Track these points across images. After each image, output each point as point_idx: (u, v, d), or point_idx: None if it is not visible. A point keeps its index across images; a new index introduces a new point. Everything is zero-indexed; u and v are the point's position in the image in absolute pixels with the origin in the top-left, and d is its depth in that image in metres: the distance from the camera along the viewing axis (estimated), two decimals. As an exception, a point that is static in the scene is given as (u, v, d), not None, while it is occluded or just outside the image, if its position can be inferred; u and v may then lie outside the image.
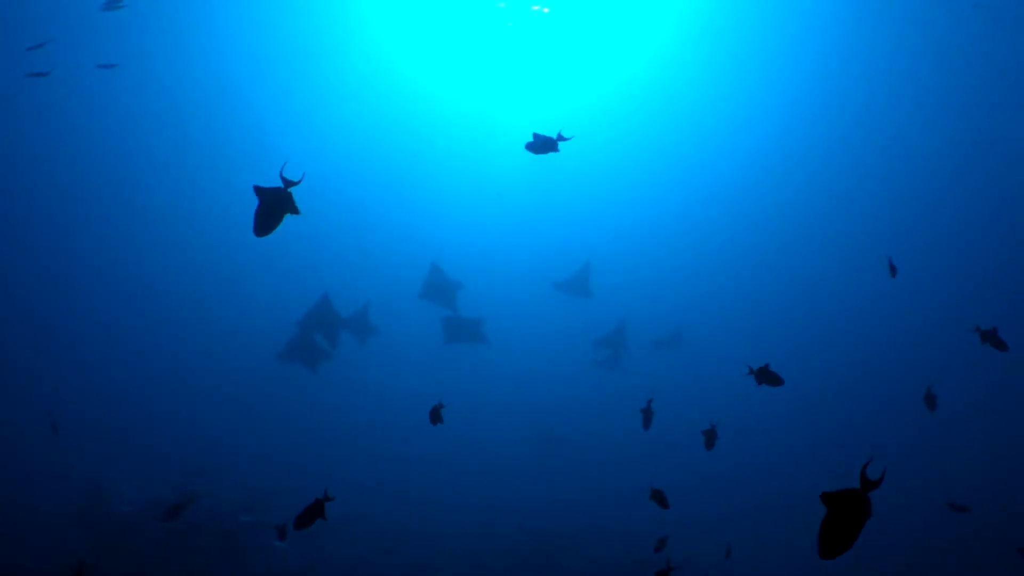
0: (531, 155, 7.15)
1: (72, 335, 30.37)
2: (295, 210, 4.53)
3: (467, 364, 26.93)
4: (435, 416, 7.34)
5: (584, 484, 20.97)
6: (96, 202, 33.41)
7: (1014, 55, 24.80)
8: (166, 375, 28.48)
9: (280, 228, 4.63)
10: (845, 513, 2.72)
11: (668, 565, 7.31)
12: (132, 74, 29.21)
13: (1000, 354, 8.34)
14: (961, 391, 25.48)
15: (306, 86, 31.25)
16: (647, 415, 8.27)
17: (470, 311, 17.48)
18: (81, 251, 33.53)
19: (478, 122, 32.50)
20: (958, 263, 31.42)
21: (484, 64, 29.11)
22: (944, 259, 31.42)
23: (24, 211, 32.49)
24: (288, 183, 4.54)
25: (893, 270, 8.93)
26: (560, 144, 6.79)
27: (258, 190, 4.47)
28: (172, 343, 30.72)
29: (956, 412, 21.16)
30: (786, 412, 27.08)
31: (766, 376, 6.89)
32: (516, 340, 29.56)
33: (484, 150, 33.65)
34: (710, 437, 8.24)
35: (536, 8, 25.15)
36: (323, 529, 16.23)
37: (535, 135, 6.91)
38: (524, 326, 30.48)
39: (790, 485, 21.40)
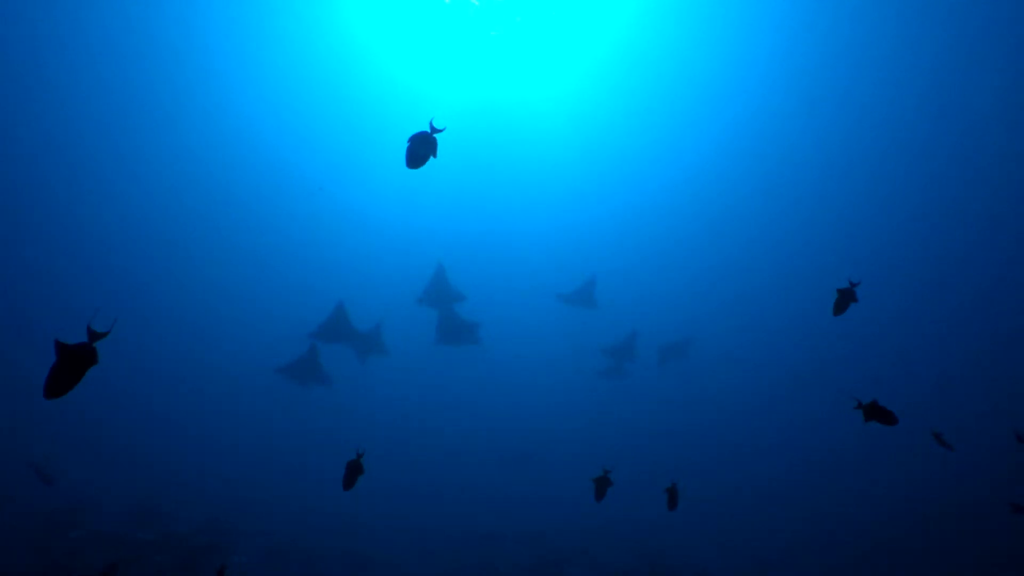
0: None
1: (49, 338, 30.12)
2: (93, 361, 3.92)
3: (467, 371, 26.95)
4: (353, 472, 5.82)
5: (586, 489, 20.87)
6: (92, 204, 33.38)
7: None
8: (145, 386, 28.33)
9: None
10: None
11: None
12: (130, 77, 29.17)
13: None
14: (962, 395, 25.54)
15: (303, 90, 31.19)
16: (601, 485, 7.24)
17: (469, 316, 17.34)
18: (78, 253, 33.49)
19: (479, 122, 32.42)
20: (964, 267, 31.40)
21: (473, 63, 29.00)
22: (951, 264, 31.42)
23: (22, 213, 32.45)
24: (95, 336, 3.99)
25: (843, 304, 6.73)
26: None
27: (59, 347, 3.87)
28: (152, 354, 30.58)
29: (960, 415, 21.11)
30: (788, 418, 27.14)
31: (876, 412, 6.05)
32: (517, 347, 29.58)
33: (486, 150, 33.59)
34: (672, 496, 7.27)
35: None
36: (319, 540, 16.24)
37: (409, 140, 5.77)
38: (526, 333, 30.47)
39: (793, 492, 21.40)
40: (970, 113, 27.21)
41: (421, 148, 5.86)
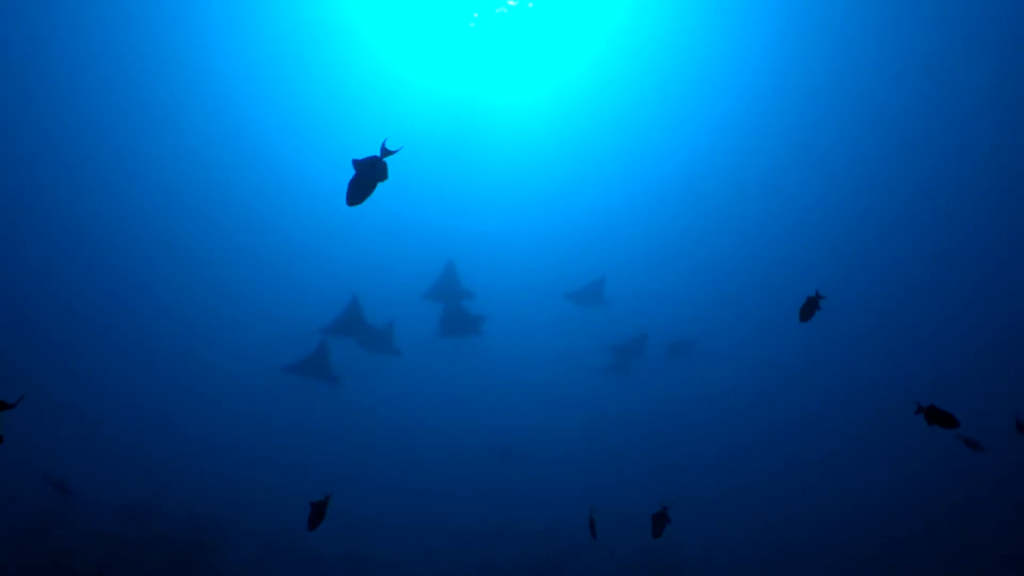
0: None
1: (51, 339, 30.10)
2: None
3: (470, 368, 26.90)
4: (318, 512, 5.81)
5: (591, 486, 20.89)
6: (95, 204, 33.37)
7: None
8: (141, 384, 28.25)
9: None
10: None
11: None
12: (131, 76, 29.14)
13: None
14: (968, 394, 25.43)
15: (305, 86, 31.13)
16: (592, 524, 7.23)
17: (475, 310, 17.37)
18: (78, 253, 33.47)
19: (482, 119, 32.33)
20: (972, 264, 31.30)
21: (470, 59, 28.88)
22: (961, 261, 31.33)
23: (23, 213, 32.45)
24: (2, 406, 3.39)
25: (808, 311, 6.78)
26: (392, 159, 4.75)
27: None
28: (149, 352, 30.50)
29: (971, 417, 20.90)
30: (793, 416, 27.07)
31: (937, 416, 5.97)
32: (521, 344, 29.53)
33: (491, 146, 33.56)
34: (659, 522, 7.08)
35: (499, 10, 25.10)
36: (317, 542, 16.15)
37: (355, 166, 4.68)
38: (530, 330, 30.43)
39: (798, 490, 21.30)
40: (970, 108, 27.16)
41: (366, 180, 4.76)
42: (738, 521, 18.89)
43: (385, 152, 4.81)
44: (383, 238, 35.53)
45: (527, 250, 35.69)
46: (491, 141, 33.05)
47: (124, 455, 20.93)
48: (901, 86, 27.11)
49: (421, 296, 16.75)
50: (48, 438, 20.58)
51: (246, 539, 15.42)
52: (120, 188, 33.19)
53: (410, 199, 35.34)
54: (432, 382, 27.60)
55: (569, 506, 18.99)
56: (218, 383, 27.62)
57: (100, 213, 33.44)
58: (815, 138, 30.26)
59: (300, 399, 22.79)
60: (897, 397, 25.90)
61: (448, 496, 20.50)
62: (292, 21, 27.29)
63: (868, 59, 26.28)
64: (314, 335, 15.73)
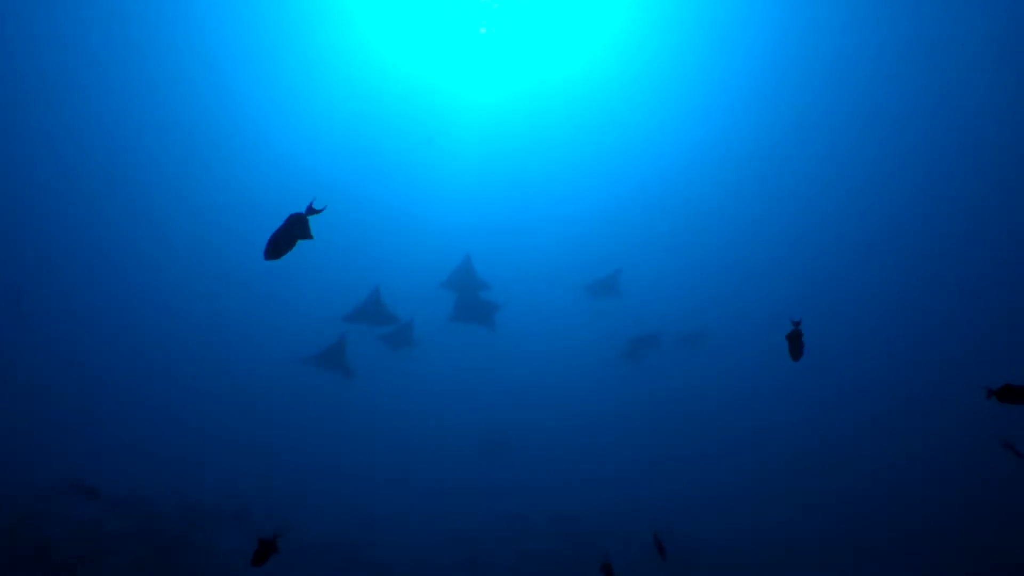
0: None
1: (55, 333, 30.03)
2: None
3: (478, 363, 26.89)
4: (265, 551, 5.72)
5: (603, 478, 20.98)
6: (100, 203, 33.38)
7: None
8: (133, 373, 28.17)
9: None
10: None
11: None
12: (135, 76, 29.15)
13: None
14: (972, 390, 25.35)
15: (308, 84, 31.15)
16: (607, 571, 7.37)
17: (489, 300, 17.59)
18: (77, 243, 33.44)
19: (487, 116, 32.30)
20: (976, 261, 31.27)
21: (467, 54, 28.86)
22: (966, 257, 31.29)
23: (32, 214, 32.46)
24: None
25: (796, 346, 6.41)
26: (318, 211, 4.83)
27: None
28: (142, 342, 30.42)
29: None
30: (798, 415, 27.02)
31: (1012, 394, 5.82)
32: (534, 335, 29.55)
33: (497, 143, 33.55)
34: (659, 547, 7.41)
35: None
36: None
37: (279, 234, 4.76)
38: (544, 321, 30.44)
39: (815, 482, 21.24)
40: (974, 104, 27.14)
41: (290, 236, 4.87)
42: (745, 515, 18.84)
43: (311, 211, 4.92)
44: (388, 235, 35.51)
45: (540, 244, 35.63)
46: (501, 137, 32.98)
47: (119, 447, 20.80)
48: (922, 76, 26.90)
49: (438, 285, 17.07)
50: (40, 428, 20.51)
51: (240, 532, 15.31)
52: (122, 185, 33.19)
53: (424, 196, 35.36)
54: (437, 377, 27.54)
55: (578, 499, 19.05)
56: (218, 375, 27.50)
57: (101, 207, 33.42)
58: (828, 129, 30.14)
59: (301, 390, 22.74)
60: (903, 396, 25.96)
61: (451, 490, 20.44)
62: (292, 18, 27.28)
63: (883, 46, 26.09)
64: (321, 328, 15.87)
